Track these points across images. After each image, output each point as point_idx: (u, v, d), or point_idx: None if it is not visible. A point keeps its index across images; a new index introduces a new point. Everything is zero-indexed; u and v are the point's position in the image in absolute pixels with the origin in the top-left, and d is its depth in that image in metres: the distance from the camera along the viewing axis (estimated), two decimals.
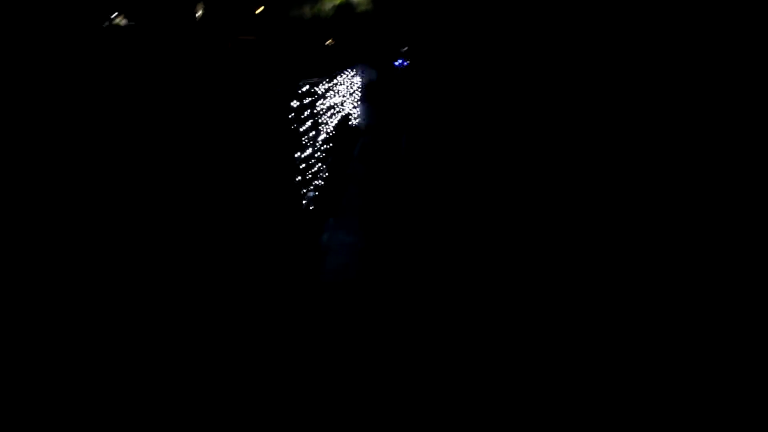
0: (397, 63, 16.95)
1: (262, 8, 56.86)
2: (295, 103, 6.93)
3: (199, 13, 58.62)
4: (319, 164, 7.83)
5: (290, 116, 7.04)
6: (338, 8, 54.71)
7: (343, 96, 12.62)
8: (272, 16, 54.81)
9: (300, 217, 6.51)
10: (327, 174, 8.62)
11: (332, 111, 9.86)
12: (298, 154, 7.18)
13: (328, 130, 9.18)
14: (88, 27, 51.28)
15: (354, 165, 12.63)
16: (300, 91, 7.12)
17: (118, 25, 57.41)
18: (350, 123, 14.09)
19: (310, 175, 7.00)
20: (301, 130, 6.99)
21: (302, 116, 7.27)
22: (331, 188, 9.00)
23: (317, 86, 8.35)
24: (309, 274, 6.37)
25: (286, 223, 5.87)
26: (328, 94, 9.59)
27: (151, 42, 50.52)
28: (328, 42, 53.31)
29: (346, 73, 14.04)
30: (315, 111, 7.92)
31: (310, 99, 7.58)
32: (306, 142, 7.60)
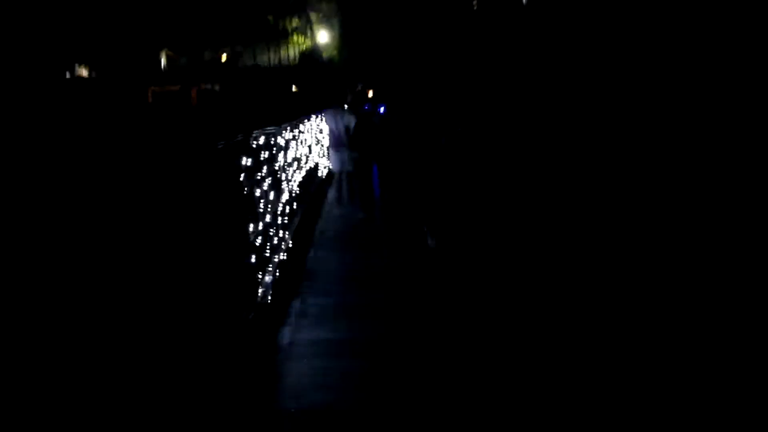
0: (369, 107, 15.23)
1: (225, 56, 55.27)
2: (244, 161, 4.86)
3: (163, 61, 56.89)
4: (273, 230, 5.87)
5: (234, 177, 4.97)
6: (302, 55, 53.29)
7: (308, 144, 10.61)
8: (236, 64, 53.20)
9: (241, 305, 4.56)
10: (284, 241, 6.64)
11: (292, 164, 7.82)
12: (244, 221, 5.16)
13: (288, 187, 7.15)
14: (50, 77, 49.20)
15: (321, 223, 10.64)
16: (253, 144, 5.06)
17: (80, 76, 55.41)
18: (316, 173, 12.04)
19: (260, 247, 5.15)
20: (248, 191, 5.03)
21: (251, 175, 5.23)
22: (292, 258, 6.97)
23: (276, 136, 6.29)
24: (254, 396, 4.27)
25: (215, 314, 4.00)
26: (289, 144, 7.46)
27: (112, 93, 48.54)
28: (293, 88, 51.82)
29: (311, 119, 12.06)
30: (270, 166, 5.83)
31: (266, 152, 5.50)
32: (254, 206, 5.53)
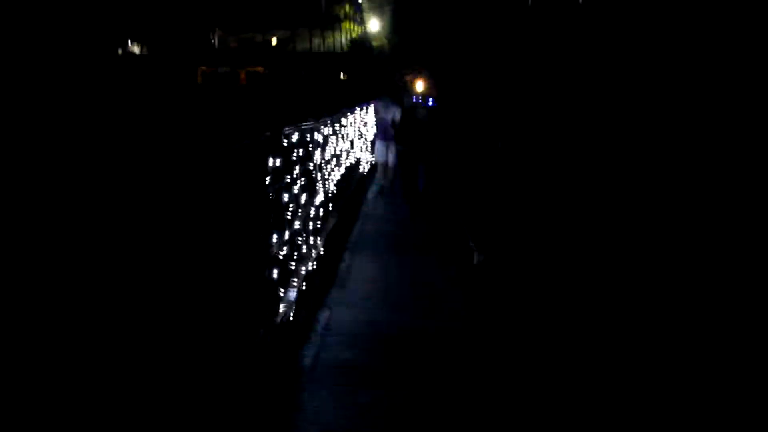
0: (420, 101, 14.42)
1: (275, 40, 54.88)
2: (271, 161, 4.15)
3: (215, 42, 56.73)
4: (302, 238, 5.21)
5: (257, 180, 4.27)
6: (353, 42, 52.63)
7: (350, 138, 9.89)
8: (286, 48, 52.80)
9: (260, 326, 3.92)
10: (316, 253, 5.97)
11: (330, 162, 7.10)
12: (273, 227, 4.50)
13: (323, 188, 6.43)
14: (104, 54, 49.37)
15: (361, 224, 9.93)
16: (283, 141, 4.36)
17: (132, 53, 55.60)
18: (357, 169, 11.33)
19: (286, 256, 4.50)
20: (275, 195, 4.35)
21: (279, 177, 4.53)
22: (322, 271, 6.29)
23: (312, 132, 5.57)
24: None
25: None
26: (328, 141, 6.71)
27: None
28: (341, 75, 51.20)
29: (356, 111, 11.35)
30: (303, 166, 5.11)
31: (299, 150, 4.79)
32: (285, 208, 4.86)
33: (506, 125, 10.03)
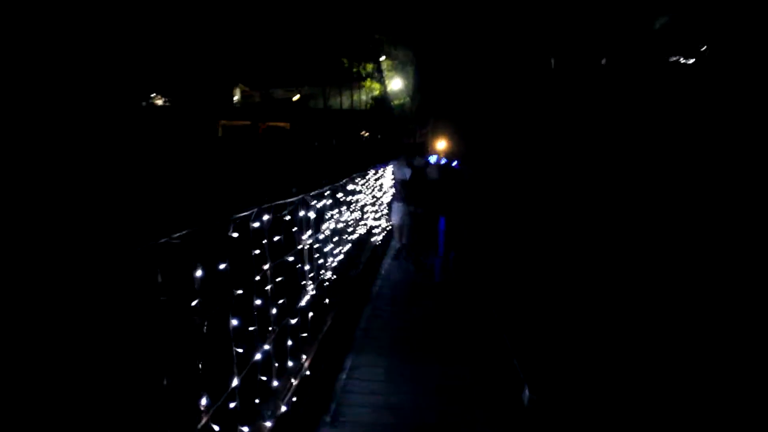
0: (447, 162, 13.34)
1: (297, 96, 54.07)
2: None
3: (237, 96, 56.04)
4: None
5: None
6: (374, 100, 51.68)
7: (361, 206, 8.03)
8: (307, 104, 51.96)
9: None
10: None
11: (328, 241, 5.20)
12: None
13: (313, 285, 4.54)
14: (127, 105, 48.98)
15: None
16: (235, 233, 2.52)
17: (155, 105, 55.08)
18: (368, 241, 9.45)
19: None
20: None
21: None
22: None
23: (303, 206, 3.71)
24: None
25: None
26: (326, 213, 4.77)
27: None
28: (362, 133, 49.97)
29: (369, 174, 9.61)
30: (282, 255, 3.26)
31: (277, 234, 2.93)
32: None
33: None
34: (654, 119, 42.23)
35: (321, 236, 5.70)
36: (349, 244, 7.75)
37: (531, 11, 50.08)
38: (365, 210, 9.76)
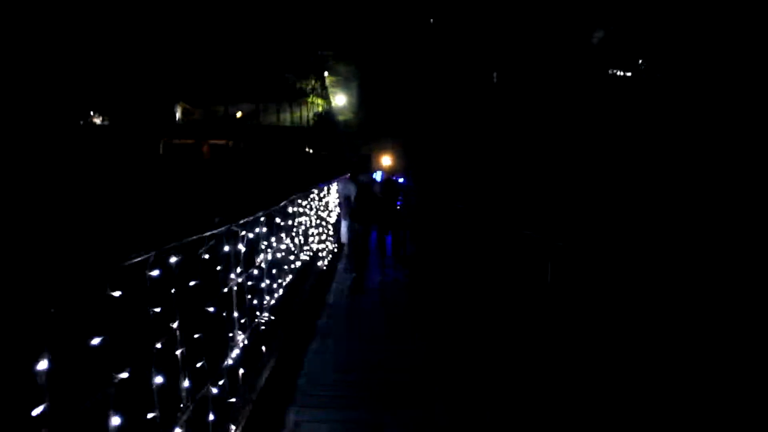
0: (392, 178, 12.86)
1: (240, 114, 52.90)
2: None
3: (178, 114, 54.47)
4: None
5: None
6: (318, 116, 50.87)
7: (302, 230, 7.05)
8: (251, 121, 50.83)
9: None
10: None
11: (260, 281, 4.23)
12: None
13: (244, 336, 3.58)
14: (65, 124, 47.00)
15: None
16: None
17: (93, 124, 53.09)
18: (313, 266, 8.50)
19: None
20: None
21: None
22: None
23: (224, 239, 2.76)
24: None
25: None
26: (263, 242, 3.79)
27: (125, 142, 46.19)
28: (307, 149, 48.95)
29: (313, 193, 8.71)
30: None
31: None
32: None
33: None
34: (594, 130, 42.61)
35: (255, 272, 4.75)
36: (291, 275, 6.79)
37: (474, 26, 50.22)
38: (309, 233, 8.82)
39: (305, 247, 8.29)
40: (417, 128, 44.22)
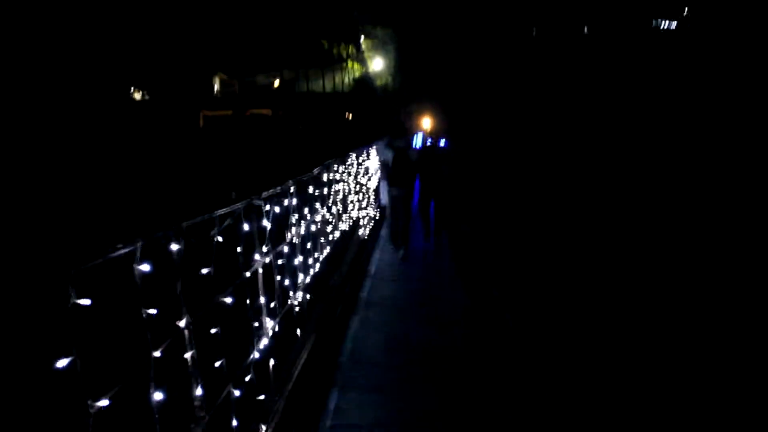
0: (434, 141, 12.21)
1: (277, 82, 52.51)
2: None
3: (217, 85, 54.34)
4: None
5: None
6: (356, 82, 50.22)
7: (341, 197, 6.53)
8: (289, 89, 50.41)
9: None
10: None
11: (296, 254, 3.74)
12: None
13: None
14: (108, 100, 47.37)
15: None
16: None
17: (133, 99, 53.42)
18: (354, 234, 8.00)
19: None
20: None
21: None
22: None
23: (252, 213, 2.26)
24: None
25: None
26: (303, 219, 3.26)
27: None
28: (347, 116, 48.39)
29: (351, 158, 8.20)
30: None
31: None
32: None
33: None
34: (639, 92, 40.89)
35: (286, 249, 4.26)
36: (328, 248, 6.31)
37: None
38: (347, 201, 8.31)
39: (344, 216, 7.79)
40: (457, 89, 43.24)
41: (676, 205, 15.63)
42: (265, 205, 3.61)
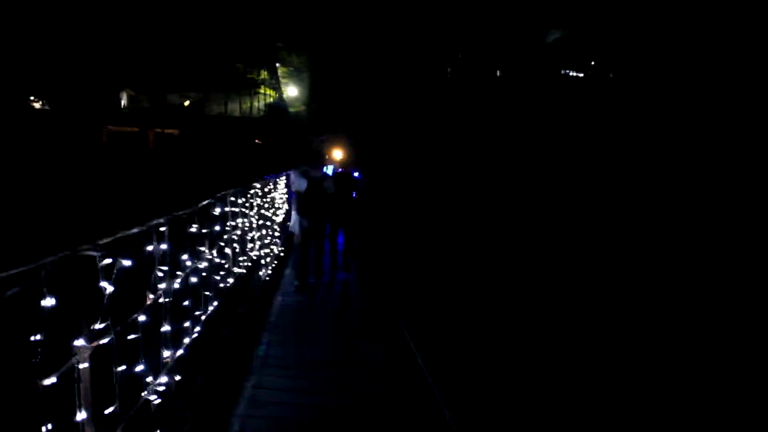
0: (347, 172, 11.38)
1: (188, 102, 50.36)
2: None
3: (124, 101, 51.60)
4: None
5: None
6: (269, 107, 48.78)
7: (239, 233, 5.14)
8: (200, 110, 48.32)
9: None
10: None
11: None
12: None
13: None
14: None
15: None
16: None
17: (32, 108, 49.96)
18: (253, 278, 6.54)
19: None
20: None
21: None
22: None
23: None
24: None
25: None
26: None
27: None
28: (256, 140, 46.71)
29: (259, 186, 6.87)
30: None
31: None
32: None
33: None
34: (545, 128, 41.56)
35: (142, 318, 2.89)
36: (215, 302, 4.91)
37: (429, 21, 48.43)
38: (249, 238, 6.93)
39: (241, 258, 6.42)
40: (369, 122, 42.48)
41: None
42: (102, 260, 2.25)
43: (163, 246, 3.15)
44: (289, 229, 11.31)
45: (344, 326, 7.34)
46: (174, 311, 3.52)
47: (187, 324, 3.82)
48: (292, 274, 9.86)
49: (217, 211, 4.80)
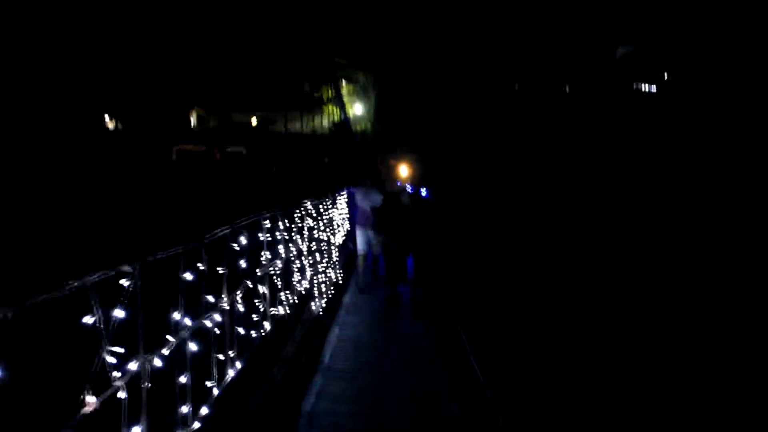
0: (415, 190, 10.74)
1: (255, 120, 50.23)
2: None
3: (193, 120, 51.94)
4: None
5: None
6: (335, 125, 48.18)
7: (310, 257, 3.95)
8: (266, 129, 48.13)
9: None
10: None
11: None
12: None
13: None
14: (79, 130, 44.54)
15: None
16: None
17: (106, 128, 50.81)
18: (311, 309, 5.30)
19: None
20: None
21: None
22: None
23: None
24: None
25: None
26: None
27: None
28: (323, 158, 46.11)
29: (326, 203, 5.72)
30: None
31: None
32: None
33: None
34: (617, 143, 39.48)
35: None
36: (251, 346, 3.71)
37: (496, 36, 46.87)
38: (300, 266, 5.73)
39: (283, 294, 5.20)
40: (436, 139, 41.23)
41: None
42: None
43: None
44: (350, 248, 11.33)
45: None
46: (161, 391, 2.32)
47: (185, 410, 2.61)
48: (352, 302, 8.85)
49: (243, 241, 3.60)
